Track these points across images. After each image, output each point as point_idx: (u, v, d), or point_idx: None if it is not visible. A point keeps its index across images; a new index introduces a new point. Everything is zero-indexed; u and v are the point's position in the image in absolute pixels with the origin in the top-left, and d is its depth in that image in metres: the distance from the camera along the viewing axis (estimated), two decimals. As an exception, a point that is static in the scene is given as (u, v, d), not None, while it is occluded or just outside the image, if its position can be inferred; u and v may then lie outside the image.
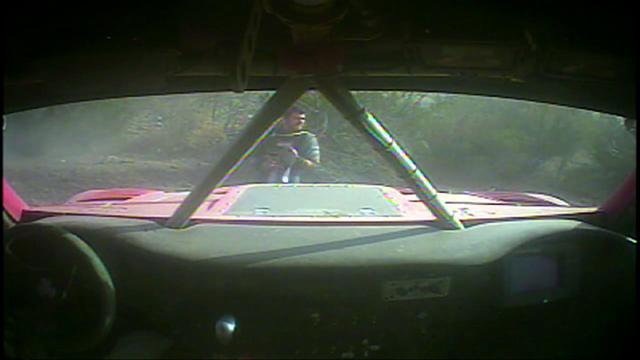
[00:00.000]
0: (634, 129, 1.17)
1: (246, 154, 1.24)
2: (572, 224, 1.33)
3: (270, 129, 1.24)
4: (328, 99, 1.16)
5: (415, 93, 6.98)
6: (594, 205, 1.51)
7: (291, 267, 1.18)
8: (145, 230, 1.27)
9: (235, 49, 0.78)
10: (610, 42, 0.83)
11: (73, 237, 1.19)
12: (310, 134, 3.60)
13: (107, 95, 1.36)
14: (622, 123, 1.23)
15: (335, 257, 1.19)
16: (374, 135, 1.18)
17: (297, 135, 3.46)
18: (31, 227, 1.24)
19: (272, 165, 3.33)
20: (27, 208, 1.39)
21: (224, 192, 1.71)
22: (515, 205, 1.81)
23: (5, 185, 1.31)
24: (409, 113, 7.46)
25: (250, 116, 4.60)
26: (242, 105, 6.70)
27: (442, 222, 1.32)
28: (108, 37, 0.84)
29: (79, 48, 0.84)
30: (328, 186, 2.05)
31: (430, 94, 6.82)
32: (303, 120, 3.50)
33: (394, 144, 1.21)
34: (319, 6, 0.75)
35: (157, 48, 0.87)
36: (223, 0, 0.84)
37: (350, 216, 1.43)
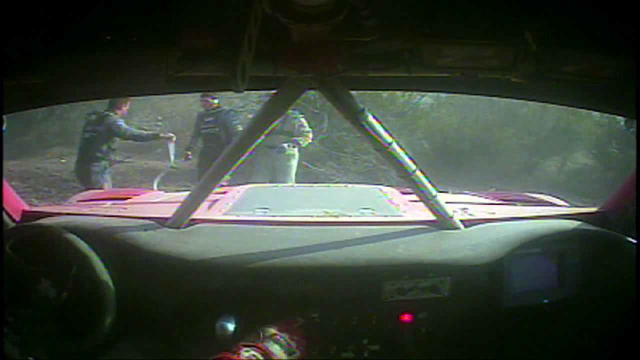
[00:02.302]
0: (634, 129, 1.17)
1: (246, 154, 1.24)
2: (572, 224, 1.33)
3: (270, 128, 1.24)
4: (328, 99, 1.16)
5: (415, 93, 6.98)
6: (594, 205, 1.50)
7: (291, 267, 1.18)
8: (145, 230, 1.27)
9: (235, 49, 0.78)
10: (610, 42, 0.83)
11: (73, 237, 1.19)
12: (226, 109, 4.71)
13: (107, 95, 1.37)
14: (622, 123, 1.23)
15: (335, 257, 1.19)
16: (374, 135, 1.18)
17: (217, 112, 4.61)
18: (31, 227, 1.24)
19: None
20: (27, 208, 1.39)
21: (224, 192, 1.71)
22: (515, 205, 1.81)
23: (5, 185, 1.30)
24: (409, 113, 7.45)
25: (250, 116, 4.63)
26: (242, 105, 6.70)
27: (442, 222, 1.31)
28: (108, 37, 0.84)
29: (79, 48, 0.84)
30: (328, 186, 2.05)
31: (430, 94, 6.83)
32: (215, 101, 4.60)
33: (394, 144, 1.21)
34: (319, 6, 0.75)
35: (157, 48, 0.87)
36: (223, 0, 0.84)
37: (350, 216, 1.43)
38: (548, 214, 1.47)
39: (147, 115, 8.39)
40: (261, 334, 1.08)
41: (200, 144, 4.77)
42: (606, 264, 1.28)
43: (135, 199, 2.11)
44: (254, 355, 0.99)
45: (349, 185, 1.99)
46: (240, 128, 4.49)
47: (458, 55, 0.90)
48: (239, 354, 0.98)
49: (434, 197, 1.28)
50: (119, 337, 1.22)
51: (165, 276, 1.21)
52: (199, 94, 4.77)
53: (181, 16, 0.84)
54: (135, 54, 0.87)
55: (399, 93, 6.86)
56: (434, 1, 0.84)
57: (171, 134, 4.46)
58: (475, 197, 2.06)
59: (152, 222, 1.31)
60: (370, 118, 1.17)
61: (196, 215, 1.34)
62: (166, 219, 1.32)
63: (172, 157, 4.38)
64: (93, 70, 0.88)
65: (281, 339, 1.08)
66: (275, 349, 1.05)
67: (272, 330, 1.10)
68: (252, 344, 1.03)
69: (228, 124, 4.48)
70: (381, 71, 1.04)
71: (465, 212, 1.45)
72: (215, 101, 4.61)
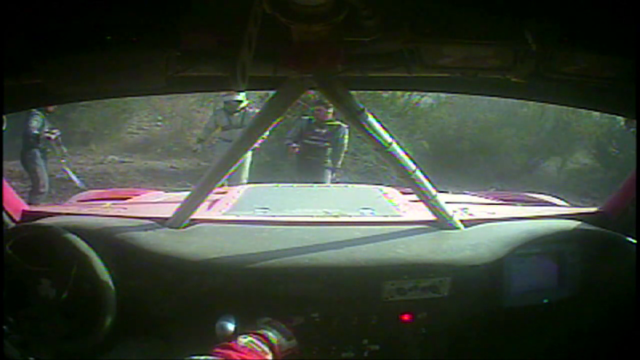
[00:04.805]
0: (634, 129, 1.17)
1: (246, 154, 1.24)
2: (572, 224, 1.33)
3: (270, 128, 1.24)
4: (328, 99, 1.16)
5: (415, 93, 6.98)
6: (594, 205, 1.50)
7: (291, 267, 1.18)
8: (145, 230, 1.27)
9: (235, 49, 0.78)
10: (610, 43, 0.83)
11: (73, 237, 1.19)
12: (343, 125, 4.27)
13: (107, 95, 1.36)
14: (622, 123, 1.24)
15: (335, 257, 1.19)
16: (374, 135, 1.18)
17: (332, 126, 4.23)
18: (31, 227, 1.24)
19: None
20: (27, 208, 1.39)
21: (224, 192, 1.71)
22: (515, 205, 1.82)
23: (5, 185, 1.30)
24: (409, 113, 7.45)
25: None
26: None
27: (442, 222, 1.31)
28: (108, 37, 0.84)
29: (79, 48, 0.84)
30: (328, 186, 2.05)
31: (430, 94, 6.83)
32: (329, 112, 4.18)
33: (394, 144, 1.21)
34: (319, 6, 0.75)
35: (157, 48, 0.87)
36: (223, 0, 0.84)
37: (350, 216, 1.43)
38: (548, 214, 1.47)
39: (147, 115, 8.39)
40: (257, 323, 1.10)
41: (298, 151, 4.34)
42: (606, 264, 1.28)
43: (135, 199, 2.11)
44: (251, 342, 1.00)
45: (349, 185, 1.99)
46: (346, 146, 4.33)
47: (458, 55, 0.90)
48: (236, 341, 0.99)
49: (434, 197, 1.28)
50: (119, 337, 1.21)
51: (165, 276, 1.21)
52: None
53: (181, 16, 0.84)
54: (135, 54, 0.87)
55: (399, 93, 6.86)
56: (434, 1, 0.84)
57: (55, 131, 4.75)
58: (475, 197, 2.07)
59: (152, 222, 1.31)
60: (370, 118, 1.17)
61: (196, 215, 1.34)
62: (166, 219, 1.31)
63: (63, 149, 4.94)
64: (93, 70, 0.88)
65: (277, 325, 1.09)
66: (272, 333, 1.06)
67: (267, 319, 1.11)
68: (248, 331, 1.04)
69: (339, 141, 4.28)
70: (381, 71, 1.04)
71: (465, 212, 1.45)
72: (330, 112, 4.19)
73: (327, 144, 4.25)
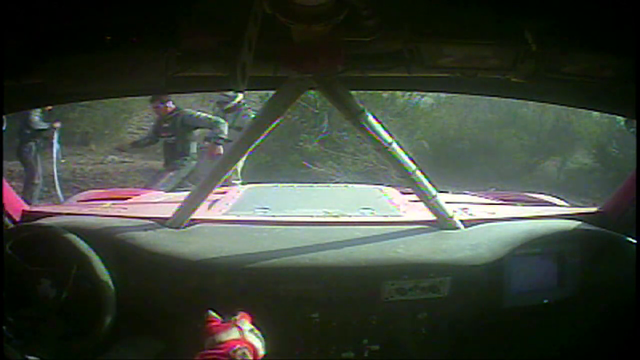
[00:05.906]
0: (634, 129, 1.17)
1: (246, 154, 1.24)
2: (572, 224, 1.33)
3: (269, 128, 1.24)
4: (328, 99, 1.16)
5: (415, 93, 6.97)
6: (594, 205, 1.50)
7: (291, 267, 1.18)
8: (145, 230, 1.27)
9: (235, 49, 0.78)
10: (610, 42, 0.83)
11: (73, 237, 1.19)
12: (186, 113, 4.31)
13: (107, 95, 1.36)
14: (622, 123, 1.24)
15: (335, 257, 1.19)
16: (374, 135, 1.18)
17: (170, 118, 4.19)
18: (31, 227, 1.24)
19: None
20: (27, 208, 1.39)
21: (224, 192, 1.71)
22: (515, 205, 1.81)
23: (5, 185, 1.31)
24: (409, 113, 7.44)
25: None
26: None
27: (442, 222, 1.31)
28: (108, 37, 0.84)
29: (79, 48, 0.84)
30: (328, 186, 2.05)
31: (430, 94, 6.82)
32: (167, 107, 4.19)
33: (394, 144, 1.21)
34: (319, 6, 0.75)
35: (157, 48, 0.87)
36: (223, 0, 0.84)
37: (350, 216, 1.43)
38: (548, 214, 1.47)
39: (147, 115, 8.38)
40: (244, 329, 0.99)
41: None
42: (606, 264, 1.28)
43: (135, 199, 2.11)
44: (244, 354, 0.93)
45: (349, 185, 1.99)
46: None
47: (458, 55, 0.90)
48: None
49: (434, 197, 1.28)
50: (119, 337, 1.22)
51: (165, 276, 1.21)
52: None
53: (181, 16, 0.84)
54: (135, 54, 0.87)
55: (399, 93, 6.85)
56: (434, 1, 0.84)
57: (57, 123, 4.89)
58: (475, 197, 2.06)
59: (152, 222, 1.31)
60: (370, 118, 1.17)
61: (196, 215, 1.34)
62: (166, 219, 1.31)
63: (55, 146, 4.95)
64: (93, 70, 0.88)
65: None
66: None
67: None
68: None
69: (180, 130, 4.19)
70: (381, 71, 1.04)
71: (465, 212, 1.45)
72: (170, 105, 4.22)
73: (173, 137, 4.22)
